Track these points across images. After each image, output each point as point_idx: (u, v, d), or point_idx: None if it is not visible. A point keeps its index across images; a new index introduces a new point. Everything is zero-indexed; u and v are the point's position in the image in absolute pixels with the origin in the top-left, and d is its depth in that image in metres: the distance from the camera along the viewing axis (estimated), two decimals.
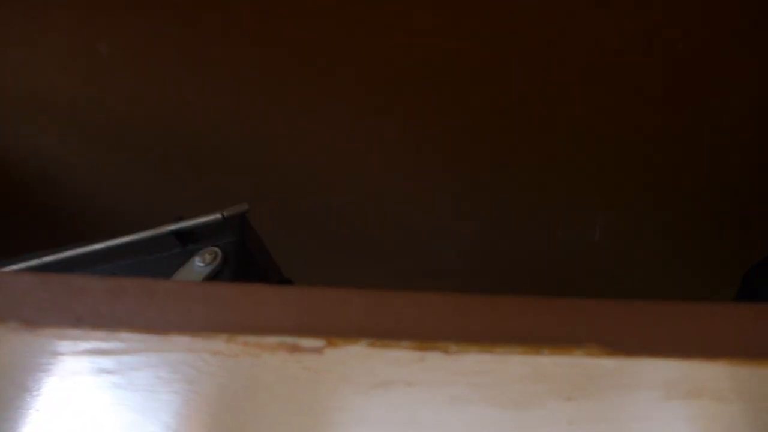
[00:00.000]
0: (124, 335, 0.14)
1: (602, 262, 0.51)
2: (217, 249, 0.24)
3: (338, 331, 0.14)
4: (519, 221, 0.48)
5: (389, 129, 0.43)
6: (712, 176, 0.45)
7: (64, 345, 0.14)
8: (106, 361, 0.15)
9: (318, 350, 0.14)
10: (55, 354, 0.15)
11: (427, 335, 0.14)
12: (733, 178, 0.45)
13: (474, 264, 0.52)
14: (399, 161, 0.45)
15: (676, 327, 0.14)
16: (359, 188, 0.47)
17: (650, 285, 0.54)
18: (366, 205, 0.48)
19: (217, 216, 0.25)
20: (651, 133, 0.43)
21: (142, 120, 0.42)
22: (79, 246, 0.26)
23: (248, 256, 0.25)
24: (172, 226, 0.25)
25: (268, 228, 0.29)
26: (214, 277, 0.23)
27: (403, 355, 0.14)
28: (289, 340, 0.14)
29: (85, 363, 0.16)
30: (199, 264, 0.24)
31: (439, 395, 0.18)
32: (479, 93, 0.41)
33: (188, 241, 0.25)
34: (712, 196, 0.46)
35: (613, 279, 0.53)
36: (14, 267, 0.26)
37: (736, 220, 0.47)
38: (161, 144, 0.44)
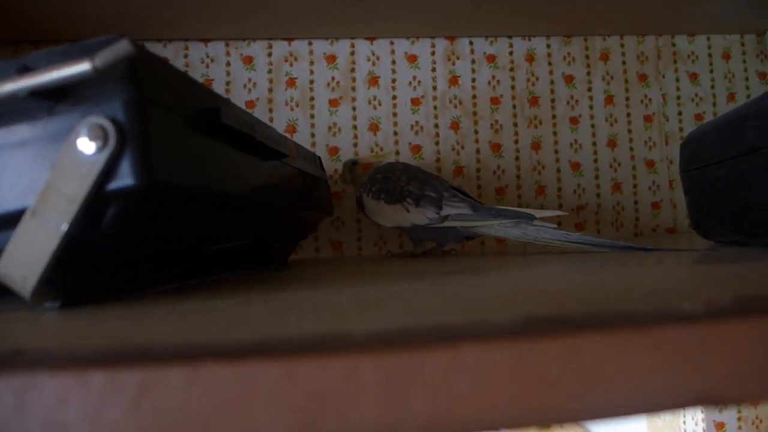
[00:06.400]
0: None
1: None
2: (104, 121, 0.16)
3: None
4: None
5: None
6: None
7: None
8: None
9: None
10: None
11: None
12: None
13: None
14: None
15: None
16: None
17: None
18: None
19: (85, 66, 0.15)
20: None
21: None
22: None
23: (164, 125, 0.17)
24: (21, 82, 0.16)
25: None
26: (107, 173, 0.16)
27: None
28: None
29: None
30: (85, 149, 0.16)
31: None
32: None
33: (53, 105, 0.17)
34: None
35: None
36: None
37: None
38: None
